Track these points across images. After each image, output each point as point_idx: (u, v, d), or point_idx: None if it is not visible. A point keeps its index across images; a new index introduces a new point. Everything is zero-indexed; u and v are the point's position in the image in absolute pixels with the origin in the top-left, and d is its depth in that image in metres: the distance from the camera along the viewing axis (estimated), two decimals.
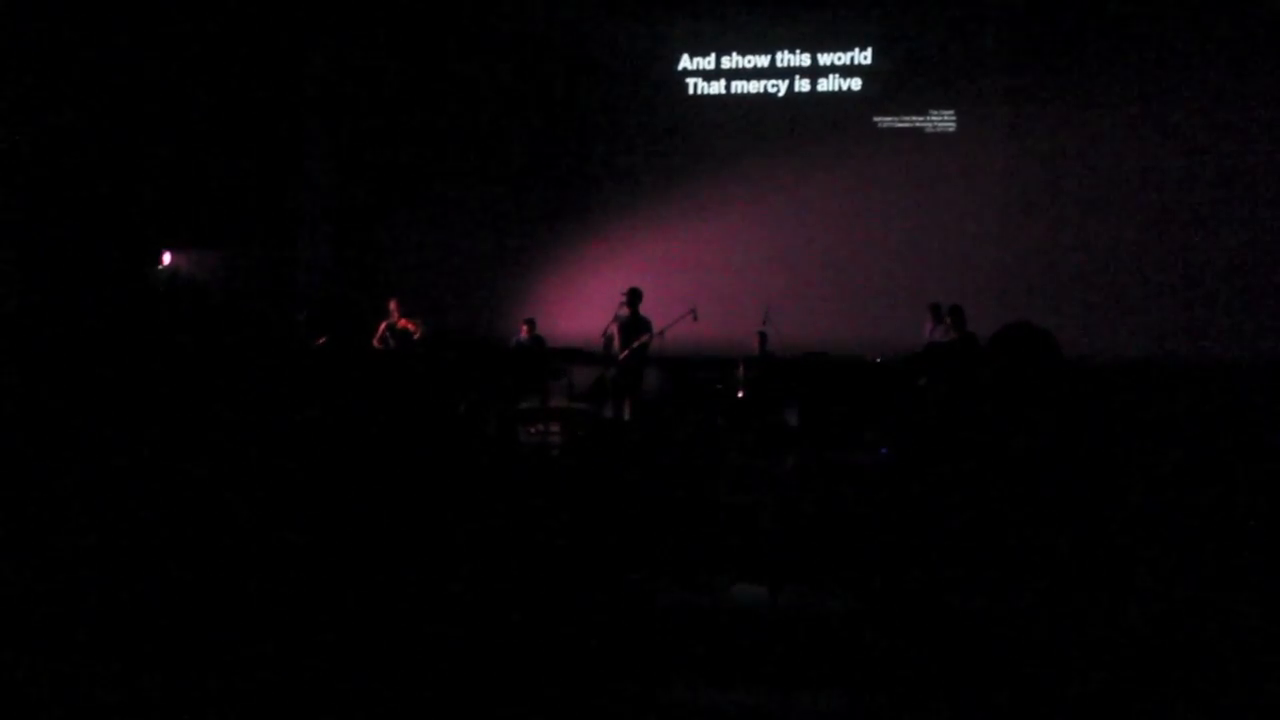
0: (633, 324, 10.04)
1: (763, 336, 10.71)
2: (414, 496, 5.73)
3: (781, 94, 13.15)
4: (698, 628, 4.10)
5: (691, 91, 13.44)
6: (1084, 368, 9.90)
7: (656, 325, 10.18)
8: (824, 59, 12.96)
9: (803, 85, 13.08)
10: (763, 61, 13.19)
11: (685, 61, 13.44)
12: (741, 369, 10.29)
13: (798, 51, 13.05)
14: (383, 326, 10.82)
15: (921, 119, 12.51)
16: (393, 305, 10.91)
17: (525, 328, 11.09)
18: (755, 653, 3.79)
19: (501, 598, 3.76)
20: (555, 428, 9.56)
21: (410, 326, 10.79)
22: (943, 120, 12.44)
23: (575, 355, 10.59)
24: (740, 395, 9.81)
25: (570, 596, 4.06)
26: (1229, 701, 2.29)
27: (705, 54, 13.35)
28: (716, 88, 13.35)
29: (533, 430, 9.97)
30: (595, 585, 4.24)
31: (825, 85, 12.98)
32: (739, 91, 13.28)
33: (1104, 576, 3.14)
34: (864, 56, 12.84)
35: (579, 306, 12.13)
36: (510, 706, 3.14)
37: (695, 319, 10.48)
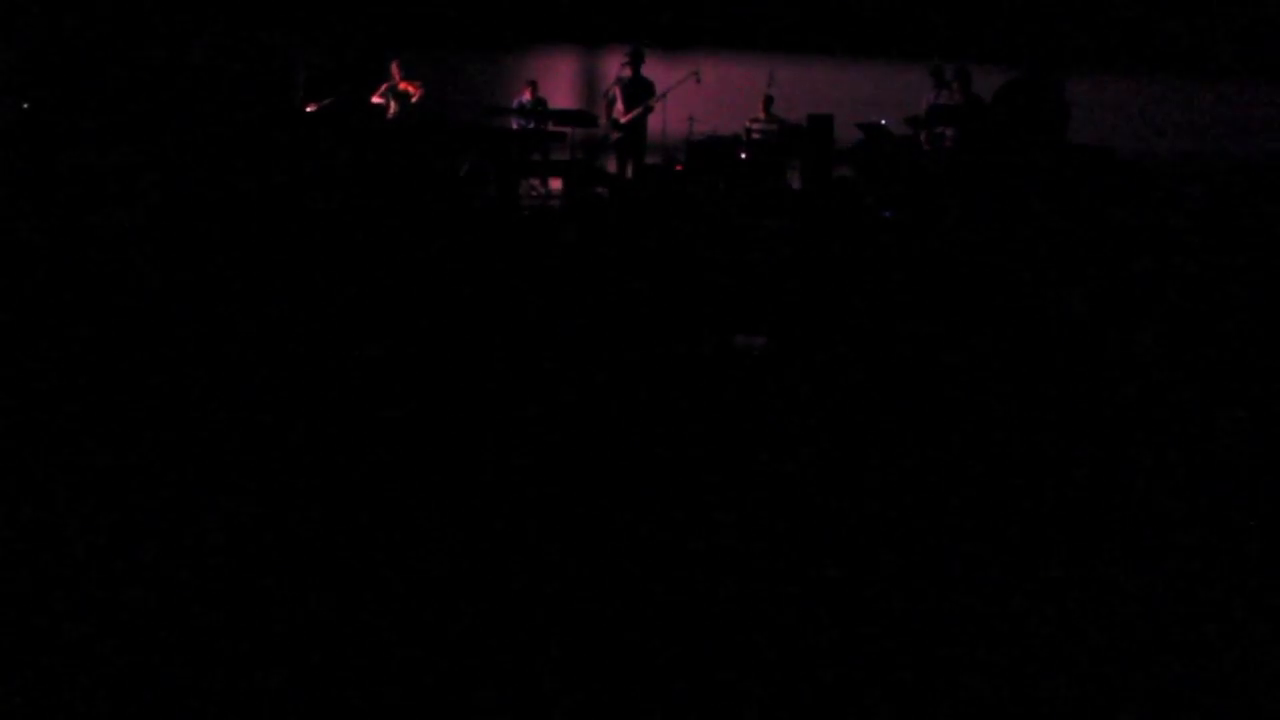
0: (635, 85, 9.95)
1: (768, 100, 10.53)
2: (418, 259, 5.85)
3: None
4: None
5: None
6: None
7: (659, 87, 10.05)
8: None
9: None
10: None
11: None
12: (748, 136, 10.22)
13: None
14: (384, 86, 10.64)
15: None
16: (394, 66, 10.69)
17: (528, 89, 10.90)
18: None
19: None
20: (556, 187, 9.60)
21: (410, 89, 10.59)
22: None
23: (578, 117, 10.49)
24: (744, 157, 9.76)
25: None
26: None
27: None
28: None
29: (534, 189, 10.01)
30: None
31: None
32: None
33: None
34: None
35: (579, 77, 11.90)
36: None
37: (699, 81, 10.33)
